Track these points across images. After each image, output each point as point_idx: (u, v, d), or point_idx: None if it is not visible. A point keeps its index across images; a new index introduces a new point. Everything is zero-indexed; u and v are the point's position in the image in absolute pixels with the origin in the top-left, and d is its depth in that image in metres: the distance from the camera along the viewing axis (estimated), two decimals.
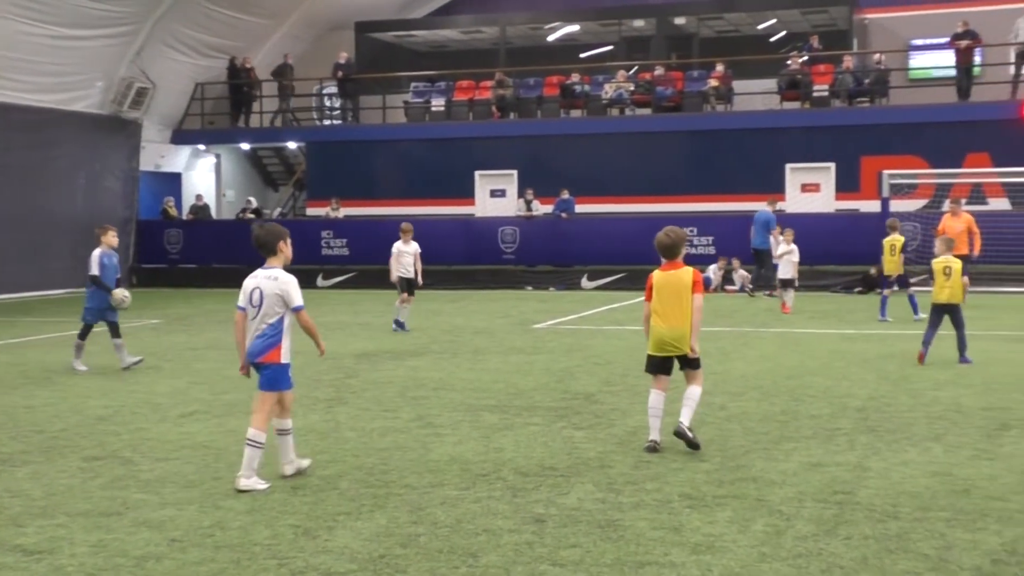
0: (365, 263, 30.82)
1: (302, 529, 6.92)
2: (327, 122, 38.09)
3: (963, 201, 23.59)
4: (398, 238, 19.47)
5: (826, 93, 31.97)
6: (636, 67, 35.66)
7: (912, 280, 20.45)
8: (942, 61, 32.50)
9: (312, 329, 8.22)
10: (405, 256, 19.18)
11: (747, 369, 13.78)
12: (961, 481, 7.89)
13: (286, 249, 8.21)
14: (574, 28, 38.21)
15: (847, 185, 30.16)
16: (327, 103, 38.14)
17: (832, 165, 30.50)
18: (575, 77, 34.13)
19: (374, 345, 16.88)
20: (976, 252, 21.35)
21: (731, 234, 27.98)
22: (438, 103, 35.50)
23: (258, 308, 8.00)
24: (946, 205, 22.55)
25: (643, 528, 6.82)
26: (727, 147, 31.26)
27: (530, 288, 29.35)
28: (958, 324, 13.86)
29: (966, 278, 13.83)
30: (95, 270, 14.44)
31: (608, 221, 29.51)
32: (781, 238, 23.25)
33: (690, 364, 9.15)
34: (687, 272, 9.06)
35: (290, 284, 8.00)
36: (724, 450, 9.00)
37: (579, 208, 30.76)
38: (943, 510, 7.15)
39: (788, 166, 30.75)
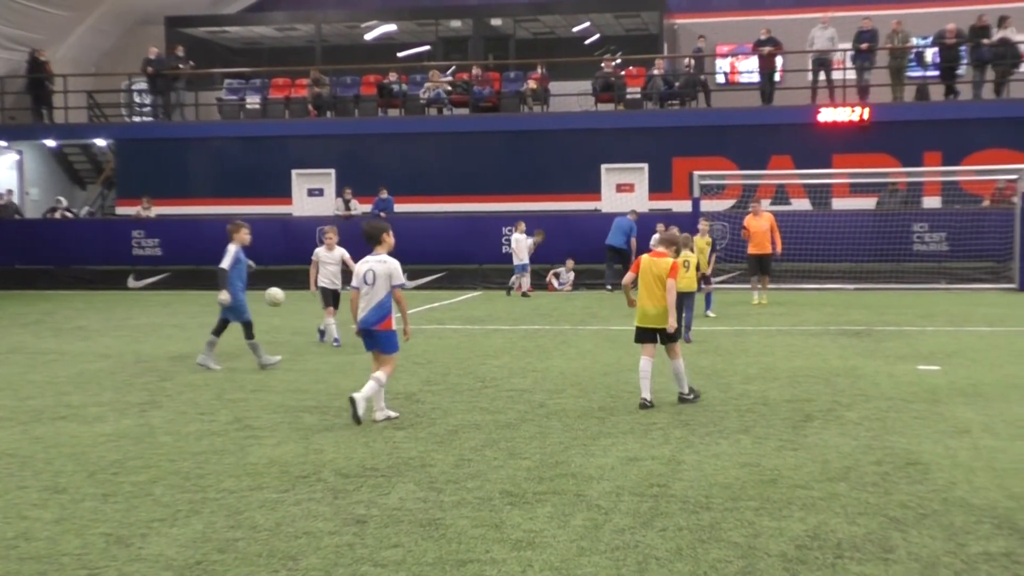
0: (179, 263, 30.07)
1: (114, 537, 6.69)
2: (137, 119, 36.88)
3: (764, 202, 24.55)
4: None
5: (639, 96, 32.77)
6: (453, 67, 35.81)
7: (714, 279, 21.09)
8: (748, 66, 33.77)
9: (404, 307, 10.25)
10: (329, 265, 16.64)
11: (566, 366, 13.99)
12: (769, 471, 8.20)
13: (389, 239, 10.38)
14: (391, 27, 38.13)
15: (660, 185, 31.00)
16: (137, 99, 36.96)
17: (645, 166, 31.28)
18: (393, 76, 34.05)
19: (190, 347, 16.44)
20: (779, 251, 22.27)
21: (550, 233, 28.35)
22: (253, 101, 34.88)
23: (371, 286, 10.15)
24: (751, 205, 23.41)
25: (464, 526, 6.84)
26: (544, 147, 31.72)
27: (348, 288, 28.99)
28: (689, 307, 16.26)
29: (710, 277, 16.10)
30: (227, 264, 13.95)
31: (427, 220, 29.53)
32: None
33: (669, 339, 10.94)
34: (666, 262, 10.90)
35: (396, 266, 10.21)
36: (544, 447, 9.12)
37: (398, 207, 30.68)
38: (752, 500, 7.42)
39: (603, 166, 31.41)
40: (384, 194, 30.48)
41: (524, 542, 6.51)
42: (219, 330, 14.25)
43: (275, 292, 15.29)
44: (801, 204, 29.49)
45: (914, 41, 31.68)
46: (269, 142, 33.24)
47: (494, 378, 13.04)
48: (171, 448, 9.24)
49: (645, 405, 10.76)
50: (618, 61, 34.36)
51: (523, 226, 26.63)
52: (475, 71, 33.93)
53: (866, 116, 29.94)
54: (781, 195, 29.53)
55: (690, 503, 7.33)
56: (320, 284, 16.68)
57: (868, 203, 29.10)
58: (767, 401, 11.23)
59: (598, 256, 27.62)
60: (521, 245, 26.24)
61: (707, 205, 27.39)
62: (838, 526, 6.79)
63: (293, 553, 6.36)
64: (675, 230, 12.35)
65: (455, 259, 28.85)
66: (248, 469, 8.43)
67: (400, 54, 38.68)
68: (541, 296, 25.74)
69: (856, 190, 29.17)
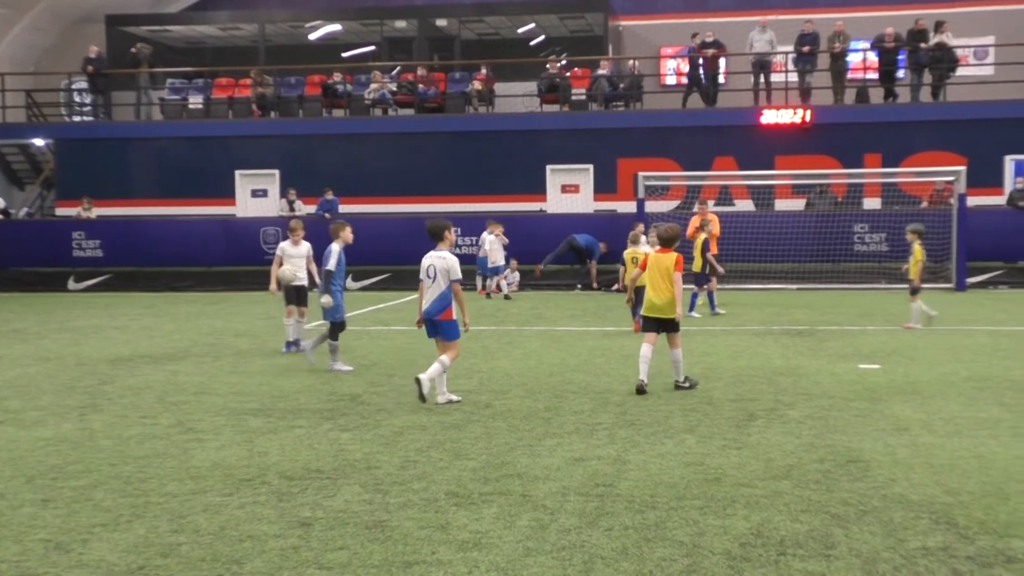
0: (120, 265, 29.70)
1: (54, 543, 6.60)
2: (77, 119, 36.39)
3: (710, 203, 24.75)
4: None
5: (584, 97, 32.89)
6: (398, 68, 35.72)
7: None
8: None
9: (462, 299, 11.12)
10: (294, 259, 15.87)
11: (511, 367, 14.00)
12: (713, 470, 8.27)
13: (450, 236, 11.39)
14: (336, 27, 37.94)
15: (605, 186, 31.13)
16: (77, 99, 36.48)
17: (590, 167, 31.40)
18: (337, 77, 33.90)
19: (130, 350, 16.25)
20: (712, 252, 22.41)
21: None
22: (196, 100, 34.55)
23: (432, 279, 11.10)
24: (696, 207, 23.57)
25: (410, 528, 6.83)
26: (489, 148, 31.75)
27: (272, 292, 28.79)
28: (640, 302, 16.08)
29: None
30: (332, 265, 13.58)
31: (372, 222, 29.37)
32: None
33: (670, 328, 11.91)
34: (671, 256, 11.88)
35: (455, 263, 11.12)
36: (490, 448, 9.12)
37: (343, 208, 30.52)
38: (696, 498, 7.47)
39: (549, 167, 31.48)
40: (329, 195, 30.32)
41: (470, 543, 6.51)
42: (335, 334, 13.84)
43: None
44: (745, 205, 29.79)
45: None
46: (212, 142, 32.95)
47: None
48: (112, 452, 9.13)
49: (642, 389, 11.66)
50: (563, 62, 34.48)
51: (500, 228, 26.47)
52: (420, 72, 33.88)
53: (808, 118, 30.30)
54: (725, 196, 29.79)
55: (635, 502, 7.37)
56: (286, 282, 15.89)
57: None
58: (711, 400, 11.32)
59: (544, 257, 27.69)
60: (496, 246, 26.04)
61: (652, 206, 27.55)
62: (781, 523, 6.86)
63: (237, 557, 6.31)
64: (674, 226, 12.59)
65: (400, 260, 28.69)
66: (191, 473, 8.35)
67: (345, 54, 38.50)
68: (483, 297, 25.72)
69: (798, 191, 29.50)
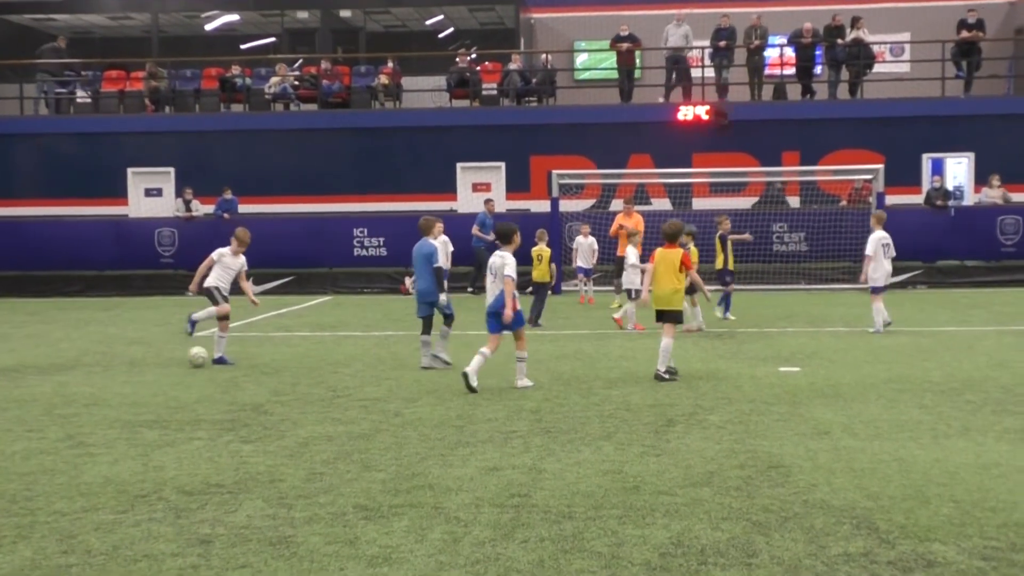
0: (2, 269, 28.97)
1: None
2: None
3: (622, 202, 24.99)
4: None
5: (495, 92, 32.96)
6: (300, 61, 35.44)
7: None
8: (606, 63, 34.28)
9: (508, 291, 12.54)
10: (230, 270, 15.62)
11: (421, 374, 13.98)
12: (631, 478, 8.34)
13: (517, 239, 13.03)
14: (233, 18, 37.54)
15: (518, 185, 31.20)
16: None
17: (502, 164, 31.47)
18: (236, 70, 33.53)
19: (14, 360, 15.89)
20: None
21: (403, 235, 28.25)
22: (83, 94, 33.88)
23: (495, 276, 12.75)
24: (620, 205, 23.71)
25: (317, 543, 6.78)
26: (397, 145, 31.63)
27: (190, 294, 28.43)
28: (542, 298, 19.64)
29: (554, 265, 20.24)
30: (443, 261, 15.47)
31: (274, 222, 29.10)
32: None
33: (669, 319, 13.30)
34: (677, 253, 13.29)
35: (511, 262, 12.65)
36: (399, 458, 9.09)
37: (243, 208, 30.20)
38: (615, 508, 7.53)
39: (459, 165, 31.47)
40: (228, 194, 29.96)
41: (380, 558, 6.48)
42: (448, 321, 14.80)
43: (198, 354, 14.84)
44: (662, 204, 30.05)
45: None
46: (102, 139, 32.31)
47: (346, 387, 12.95)
48: None
49: (662, 378, 13.05)
50: (473, 56, 34.50)
51: (439, 226, 24.77)
52: (323, 65, 33.66)
53: (723, 115, 30.65)
54: (641, 195, 30.01)
55: (552, 513, 7.40)
56: (214, 284, 15.44)
57: (728, 203, 29.75)
58: (629, 406, 11.42)
59: (454, 259, 27.67)
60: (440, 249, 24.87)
61: (566, 205, 27.70)
62: (702, 532, 6.94)
63: None
64: (677, 221, 13.94)
65: (303, 263, 28.51)
66: (82, 489, 8.19)
67: (243, 46, 38.14)
68: (394, 300, 25.62)
69: (716, 190, 29.84)
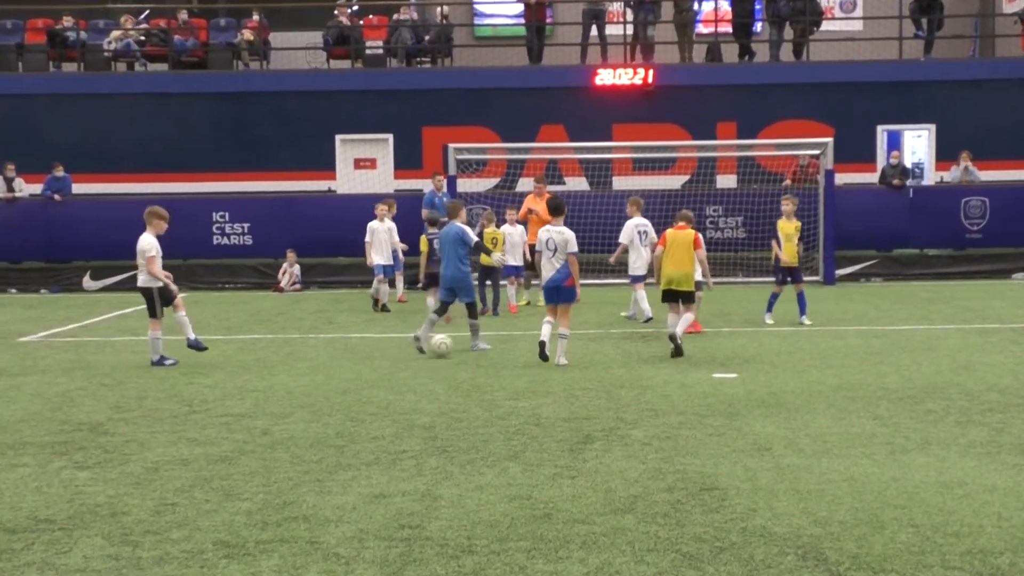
0: None
1: None
2: None
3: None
4: None
5: (381, 51, 32.83)
6: (148, 11, 34.92)
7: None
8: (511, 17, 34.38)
9: (576, 269, 15.04)
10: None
11: (294, 384, 13.90)
12: (542, 505, 8.38)
13: (565, 211, 15.54)
14: None
15: (408, 161, 31.09)
16: None
17: (390, 137, 31.37)
18: (68, 21, 32.94)
19: None
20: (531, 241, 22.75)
21: (272, 221, 28.06)
22: None
23: (553, 252, 15.07)
24: (531, 185, 23.75)
25: None
26: (264, 113, 31.37)
27: (14, 291, 28.05)
28: (495, 284, 21.38)
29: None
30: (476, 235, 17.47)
31: (116, 204, 28.68)
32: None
33: (686, 299, 16.04)
34: (689, 233, 16.26)
35: (571, 236, 15.09)
36: (268, 484, 9.04)
37: (77, 188, 29.72)
38: (523, 539, 7.57)
39: (338, 137, 31.31)
40: (59, 171, 29.41)
41: None
42: (473, 313, 16.78)
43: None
44: (577, 183, 30.18)
45: None
46: None
47: (204, 401, 12.84)
48: None
49: (678, 344, 15.32)
50: (355, 8, 34.29)
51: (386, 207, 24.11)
52: (182, 15, 33.20)
53: (650, 79, 30.92)
54: (554, 172, 30.06)
55: (449, 546, 7.42)
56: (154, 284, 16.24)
57: (655, 182, 29.94)
58: (539, 420, 11.47)
59: (333, 247, 27.59)
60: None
61: (465, 184, 27.69)
62: (624, 566, 7.01)
63: None
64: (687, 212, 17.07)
65: None
66: None
67: None
68: (263, 298, 25.44)
69: (640, 167, 30.01)
